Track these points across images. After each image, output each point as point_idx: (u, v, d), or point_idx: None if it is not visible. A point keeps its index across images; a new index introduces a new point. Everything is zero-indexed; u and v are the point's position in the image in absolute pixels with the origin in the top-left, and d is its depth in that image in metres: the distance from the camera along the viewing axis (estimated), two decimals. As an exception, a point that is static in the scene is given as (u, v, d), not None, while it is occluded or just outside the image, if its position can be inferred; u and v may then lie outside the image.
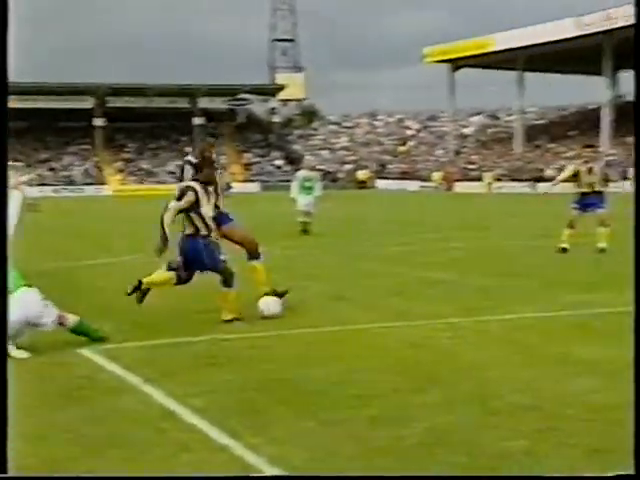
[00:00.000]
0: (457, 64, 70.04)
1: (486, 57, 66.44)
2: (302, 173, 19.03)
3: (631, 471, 3.05)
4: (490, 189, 55.94)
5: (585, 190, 12.94)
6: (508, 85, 69.72)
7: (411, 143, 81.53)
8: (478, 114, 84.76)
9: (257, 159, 74.31)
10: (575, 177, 13.15)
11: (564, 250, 12.52)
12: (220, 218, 7.55)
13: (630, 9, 55.57)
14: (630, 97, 72.13)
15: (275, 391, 4.76)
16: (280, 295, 7.61)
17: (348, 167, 73.38)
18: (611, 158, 57.99)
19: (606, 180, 13.43)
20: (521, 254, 13.06)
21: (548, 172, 59.86)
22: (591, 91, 67.33)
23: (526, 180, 59.23)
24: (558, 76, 75.75)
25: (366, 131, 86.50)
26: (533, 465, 3.53)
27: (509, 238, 16.34)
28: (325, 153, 78.30)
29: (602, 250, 12.44)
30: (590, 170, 13.04)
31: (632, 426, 3.14)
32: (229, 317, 7.09)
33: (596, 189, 12.95)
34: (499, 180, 59.62)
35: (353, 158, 76.99)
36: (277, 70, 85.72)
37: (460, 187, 58.90)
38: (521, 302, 7.94)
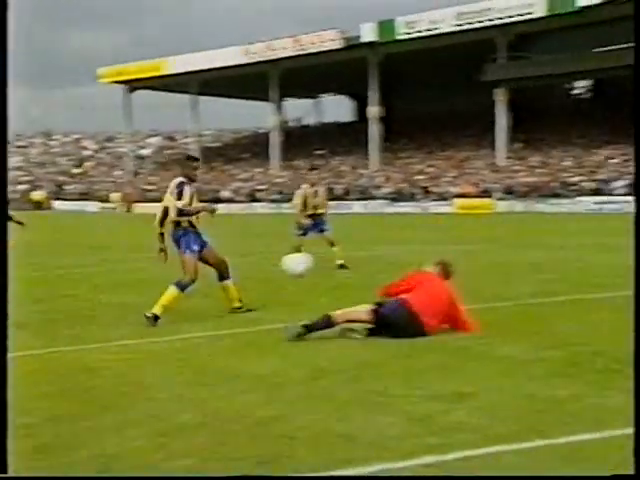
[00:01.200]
0: (133, 85, 69.60)
1: (161, 79, 66.81)
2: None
3: (631, 471, 3.01)
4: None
5: (310, 212, 13.27)
6: (184, 108, 70.60)
7: (89, 164, 79.50)
8: (156, 135, 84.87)
9: None
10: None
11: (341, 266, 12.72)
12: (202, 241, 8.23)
13: (290, 42, 59.00)
14: (293, 123, 76.55)
15: None
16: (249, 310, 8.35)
17: (22, 188, 69.74)
18: (280, 180, 61.00)
19: (327, 202, 13.86)
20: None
21: (224, 193, 61.45)
22: (262, 116, 70.24)
23: (204, 201, 60.18)
24: (232, 100, 78.15)
25: (41, 151, 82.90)
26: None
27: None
28: (-4, 173, 73.63)
29: (342, 266, 12.93)
30: (316, 193, 13.44)
31: (632, 426, 3.11)
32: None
33: (319, 211, 13.36)
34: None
35: (27, 179, 73.38)
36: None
37: (140, 208, 58.47)
38: (193, 322, 7.95)
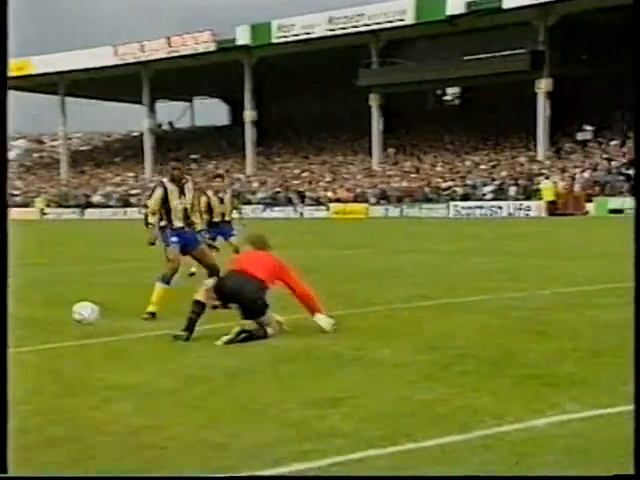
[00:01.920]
0: (-4, 85, 66.86)
1: (26, 80, 64.49)
2: None
3: (631, 471, 3.03)
4: (42, 215, 54.36)
5: (217, 220, 13.14)
6: (52, 109, 68.46)
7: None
8: (22, 138, 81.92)
9: None
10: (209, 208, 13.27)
11: (192, 274, 12.20)
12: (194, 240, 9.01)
13: (162, 43, 58.29)
14: (166, 126, 75.56)
15: None
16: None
17: None
18: (153, 185, 60.00)
19: (235, 208, 13.74)
20: (71, 281, 12.86)
21: (95, 198, 60.01)
22: (134, 119, 68.99)
23: (74, 206, 58.67)
24: (103, 103, 76.35)
25: None
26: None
27: (69, 265, 16.05)
28: None
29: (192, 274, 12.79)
30: (222, 200, 13.35)
31: (632, 426, 3.11)
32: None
33: (227, 218, 13.31)
34: (48, 206, 58.29)
35: None
36: None
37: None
38: (63, 331, 7.74)
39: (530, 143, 49.06)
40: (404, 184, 48.95)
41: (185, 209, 8.96)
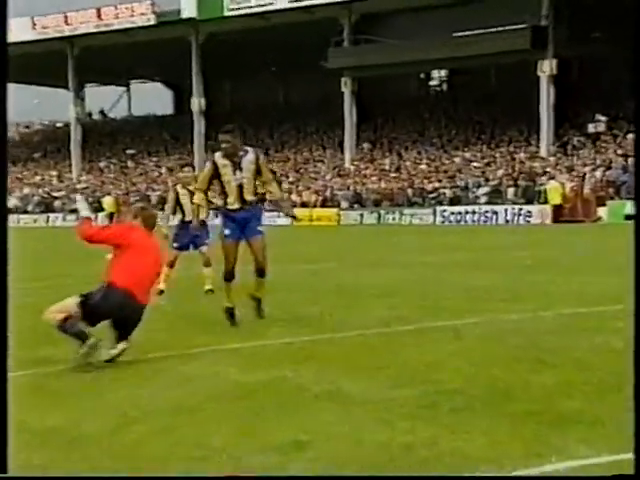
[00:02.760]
0: None
1: None
2: None
3: (631, 471, 3.29)
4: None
5: (188, 219, 12.81)
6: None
7: None
8: None
9: None
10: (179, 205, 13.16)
11: (161, 293, 12.16)
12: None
13: (91, 15, 57.79)
14: (98, 115, 75.19)
15: None
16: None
17: None
18: (82, 186, 59.62)
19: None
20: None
21: (11, 202, 59.41)
22: (58, 107, 68.47)
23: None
24: (20, 86, 75.67)
25: None
26: None
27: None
28: None
29: (209, 291, 12.80)
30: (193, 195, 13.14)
31: (632, 426, 3.34)
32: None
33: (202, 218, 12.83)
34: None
35: None
36: None
37: None
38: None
39: (531, 137, 49.53)
40: (382, 185, 49.29)
41: (240, 186, 9.54)
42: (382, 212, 46.28)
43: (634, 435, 3.37)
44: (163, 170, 60.63)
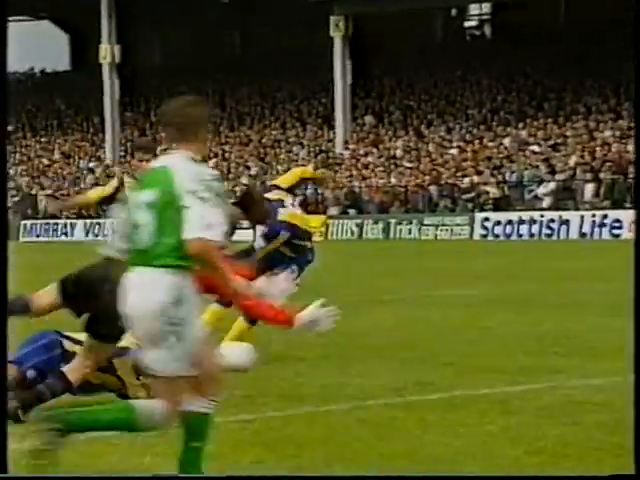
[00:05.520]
0: None
1: None
2: None
3: (631, 471, 4.26)
4: None
5: None
6: None
7: None
8: None
9: None
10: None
11: None
12: None
13: None
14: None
15: None
16: None
17: None
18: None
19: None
20: None
21: None
22: None
23: None
24: None
25: None
26: None
27: None
28: None
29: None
30: None
31: (632, 426, 4.18)
32: None
33: None
34: None
35: None
36: None
37: None
38: None
39: (622, 105, 49.35)
40: (392, 180, 49.32)
41: None
42: (392, 221, 46.24)
43: (634, 435, 4.42)
44: (56, 155, 60.36)
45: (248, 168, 53.66)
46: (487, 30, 62.53)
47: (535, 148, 48.85)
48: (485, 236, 43.95)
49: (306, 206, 48.11)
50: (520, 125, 51.71)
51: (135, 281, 6.41)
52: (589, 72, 51.52)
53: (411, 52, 58.22)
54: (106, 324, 8.30)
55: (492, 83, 55.71)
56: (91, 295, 8.67)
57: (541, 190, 45.09)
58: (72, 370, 8.82)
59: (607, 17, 49.59)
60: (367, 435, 7.91)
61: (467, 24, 63.12)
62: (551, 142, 49.04)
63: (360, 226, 46.75)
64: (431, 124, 54.44)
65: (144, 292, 6.38)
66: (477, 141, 51.49)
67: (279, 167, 53.06)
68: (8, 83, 6.04)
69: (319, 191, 48.89)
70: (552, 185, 45.10)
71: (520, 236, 43.18)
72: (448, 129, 53.67)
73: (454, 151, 50.93)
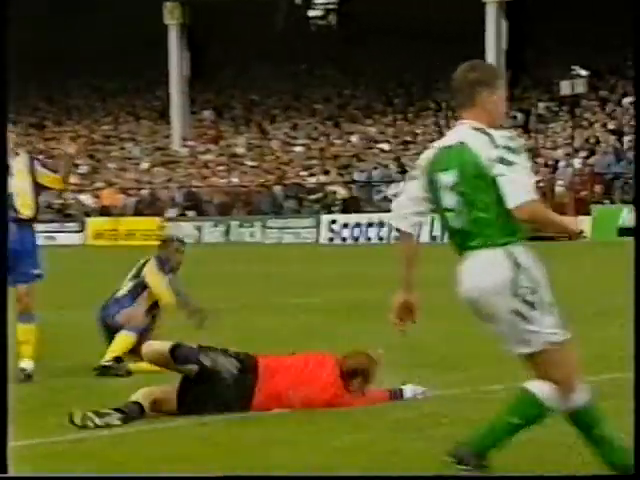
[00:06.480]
0: None
1: None
2: None
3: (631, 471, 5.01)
4: None
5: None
6: None
7: None
8: None
9: None
10: None
11: None
12: None
13: None
14: None
15: None
16: None
17: None
18: None
19: None
20: None
21: None
22: None
23: None
24: None
25: None
26: None
27: None
28: None
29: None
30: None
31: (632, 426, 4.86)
32: None
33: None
34: None
35: None
36: None
37: None
38: None
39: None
40: (233, 179, 49.75)
41: None
42: (233, 224, 46.62)
43: (634, 435, 4.87)
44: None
45: (77, 166, 52.93)
46: (332, 20, 63.01)
47: (384, 146, 49.41)
48: (332, 240, 44.39)
49: (138, 206, 48.04)
50: (368, 122, 52.52)
51: (472, 266, 6.56)
52: (439, 67, 51.72)
53: (253, 42, 58.74)
54: None
55: (339, 76, 56.46)
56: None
57: (391, 191, 45.13)
58: None
59: (455, 11, 50.06)
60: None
61: (312, 13, 63.61)
62: (400, 139, 49.67)
63: (199, 229, 46.84)
64: (275, 120, 55.47)
65: (487, 276, 6.55)
66: (324, 138, 52.34)
67: (111, 165, 53.09)
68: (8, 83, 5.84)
69: (155, 192, 49.12)
70: (402, 185, 44.91)
71: (369, 239, 43.81)
72: (293, 125, 54.64)
73: (299, 149, 51.78)
